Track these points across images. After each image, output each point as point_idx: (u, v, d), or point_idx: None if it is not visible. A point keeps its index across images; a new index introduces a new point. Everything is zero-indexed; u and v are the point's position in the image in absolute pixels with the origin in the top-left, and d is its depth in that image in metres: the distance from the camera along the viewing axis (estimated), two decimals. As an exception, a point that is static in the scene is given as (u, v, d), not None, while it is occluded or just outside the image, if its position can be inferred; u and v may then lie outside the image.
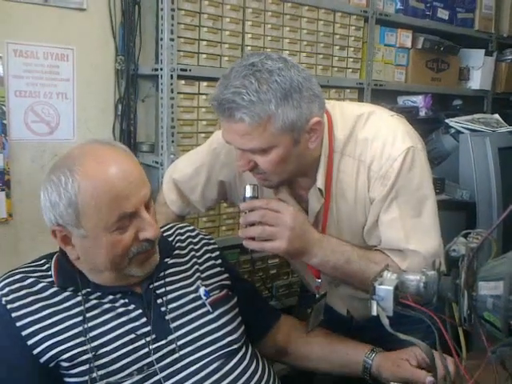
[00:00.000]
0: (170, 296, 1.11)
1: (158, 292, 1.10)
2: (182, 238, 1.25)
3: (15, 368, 0.99)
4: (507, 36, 3.09)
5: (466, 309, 0.70)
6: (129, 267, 1.05)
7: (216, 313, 1.13)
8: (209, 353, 1.08)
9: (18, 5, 1.68)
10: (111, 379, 0.99)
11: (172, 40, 1.77)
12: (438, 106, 2.79)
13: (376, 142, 1.17)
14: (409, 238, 1.16)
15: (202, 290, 1.15)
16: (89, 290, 1.06)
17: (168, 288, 1.12)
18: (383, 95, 2.53)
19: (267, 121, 1.05)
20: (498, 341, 0.69)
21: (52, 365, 0.99)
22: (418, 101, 2.66)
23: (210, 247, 1.27)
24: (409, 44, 2.59)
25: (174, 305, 1.10)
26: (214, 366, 1.08)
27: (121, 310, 1.05)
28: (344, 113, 1.23)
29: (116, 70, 1.90)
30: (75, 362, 0.99)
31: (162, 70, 1.78)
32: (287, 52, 2.09)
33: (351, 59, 2.35)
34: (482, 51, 2.94)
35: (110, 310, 1.05)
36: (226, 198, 1.46)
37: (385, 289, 0.76)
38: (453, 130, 2.56)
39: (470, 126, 2.55)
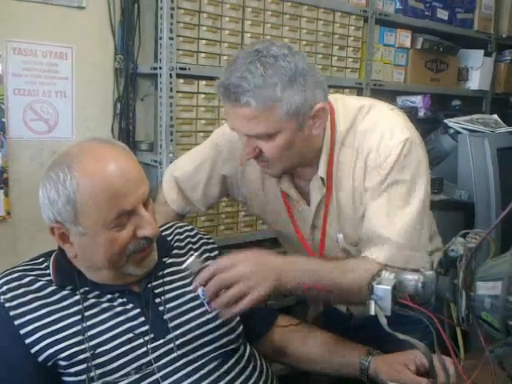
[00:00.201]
0: (168, 295, 1.11)
1: (156, 291, 1.10)
2: (181, 237, 1.25)
3: (13, 367, 0.99)
4: (506, 36, 3.09)
5: (464, 309, 0.70)
6: (126, 265, 1.05)
7: (214, 312, 1.13)
8: (207, 352, 1.08)
9: (17, 3, 1.67)
10: (109, 378, 0.99)
11: (171, 39, 1.76)
12: (436, 106, 2.79)
13: (374, 134, 1.18)
14: (389, 227, 1.15)
15: (200, 290, 1.14)
16: (87, 288, 1.06)
17: (166, 287, 1.12)
18: (382, 95, 2.52)
19: (273, 105, 1.06)
20: (495, 341, 0.69)
21: (50, 363, 0.99)
22: (417, 101, 2.66)
23: (209, 247, 1.27)
24: (408, 44, 2.59)
25: (172, 304, 1.10)
26: (212, 365, 1.08)
27: (119, 309, 1.05)
28: (346, 106, 1.25)
29: (115, 68, 1.89)
30: (73, 360, 0.99)
31: (161, 68, 1.78)
32: (286, 51, 2.08)
33: (350, 59, 2.35)
34: (481, 52, 2.94)
35: (108, 309, 1.05)
36: (228, 194, 1.46)
37: (383, 288, 0.76)
38: (451, 131, 2.56)
39: (468, 127, 2.55)
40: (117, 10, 1.86)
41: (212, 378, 1.07)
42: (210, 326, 1.11)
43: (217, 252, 1.28)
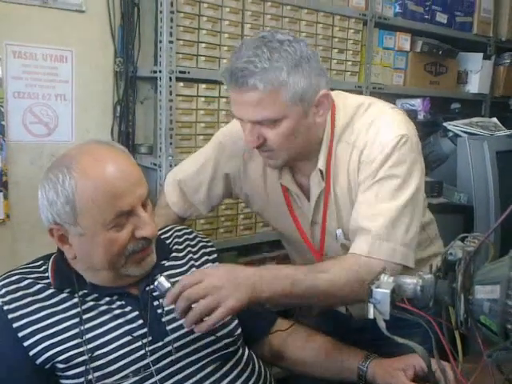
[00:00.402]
0: (166, 298, 1.11)
1: (154, 294, 1.10)
2: (180, 240, 1.25)
3: (12, 369, 0.98)
4: (505, 40, 3.10)
5: (462, 312, 0.70)
6: (125, 266, 1.05)
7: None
8: (205, 355, 1.08)
9: (17, 6, 1.68)
10: (107, 381, 0.99)
11: (171, 42, 1.77)
12: (436, 109, 2.79)
13: (371, 130, 1.19)
14: (372, 219, 1.14)
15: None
16: (85, 291, 1.06)
17: (165, 290, 1.12)
18: (381, 98, 2.49)
19: (279, 88, 1.08)
20: (494, 344, 0.69)
21: (48, 366, 0.99)
22: (417, 104, 2.67)
23: (208, 250, 1.27)
24: (407, 47, 2.60)
25: (171, 307, 1.10)
26: (211, 368, 1.08)
27: (117, 311, 1.05)
28: (346, 102, 1.26)
29: (115, 71, 1.89)
30: (71, 363, 0.99)
31: (160, 72, 1.78)
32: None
33: (350, 62, 2.35)
34: (481, 55, 2.95)
35: (107, 312, 1.05)
36: (231, 193, 1.46)
37: (381, 292, 0.76)
38: (451, 134, 2.56)
39: (468, 130, 2.55)
40: (117, 14, 1.86)
41: (210, 380, 1.07)
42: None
43: (215, 255, 1.28)
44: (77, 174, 0.99)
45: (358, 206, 1.19)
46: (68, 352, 0.99)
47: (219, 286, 0.98)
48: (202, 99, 1.88)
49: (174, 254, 1.20)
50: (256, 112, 1.10)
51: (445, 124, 2.60)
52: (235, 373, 1.11)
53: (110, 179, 1.00)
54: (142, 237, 1.04)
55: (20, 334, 0.99)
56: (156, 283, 1.01)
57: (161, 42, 1.77)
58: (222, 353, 1.11)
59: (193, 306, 0.98)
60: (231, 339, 1.13)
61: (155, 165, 1.84)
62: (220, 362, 1.09)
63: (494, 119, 2.81)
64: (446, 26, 2.77)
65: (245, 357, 1.16)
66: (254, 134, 1.14)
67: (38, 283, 1.05)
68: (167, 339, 1.06)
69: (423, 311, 0.77)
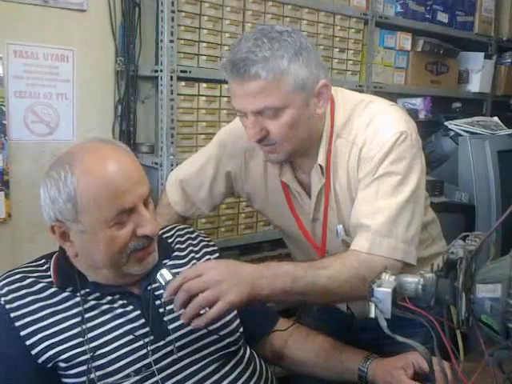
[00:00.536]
0: (168, 297, 1.11)
1: (156, 293, 1.10)
2: (182, 239, 1.25)
3: (13, 368, 0.99)
4: (507, 39, 3.10)
5: (463, 311, 0.70)
6: (127, 265, 1.05)
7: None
8: (207, 354, 1.08)
9: (18, 5, 1.68)
10: (109, 380, 0.99)
11: (172, 42, 1.77)
12: (437, 108, 2.79)
13: (371, 127, 1.19)
14: (372, 215, 1.14)
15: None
16: (87, 290, 1.06)
17: (166, 289, 1.12)
18: (382, 97, 2.52)
19: (281, 76, 1.08)
20: (495, 343, 0.69)
21: (50, 365, 0.99)
22: (418, 103, 2.67)
23: (210, 249, 1.27)
24: (408, 47, 2.60)
25: (173, 306, 1.10)
26: (213, 367, 1.08)
27: (119, 310, 1.05)
28: (345, 98, 1.26)
29: (116, 71, 1.90)
30: (73, 362, 0.99)
31: (161, 71, 1.78)
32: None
33: (351, 61, 2.35)
34: (482, 54, 2.95)
35: (109, 311, 1.05)
36: (232, 192, 1.46)
37: (383, 291, 0.76)
38: (452, 133, 2.56)
39: (469, 129, 2.55)
40: (118, 13, 1.86)
41: (212, 379, 1.07)
42: (211, 327, 1.11)
43: (217, 254, 1.28)
44: (79, 172, 0.99)
45: (357, 203, 1.18)
46: (70, 351, 0.99)
47: (220, 281, 0.98)
48: (203, 98, 1.88)
49: (175, 253, 1.20)
50: (259, 101, 1.10)
51: (446, 123, 2.60)
52: (237, 372, 1.11)
53: (112, 177, 1.00)
54: (143, 235, 1.04)
55: (22, 333, 0.99)
56: (158, 275, 1.01)
57: (162, 41, 1.77)
58: (224, 352, 1.11)
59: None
60: (233, 338, 1.13)
61: (156, 164, 1.84)
62: (221, 362, 1.10)
63: (495, 118, 2.81)
64: (447, 26, 2.77)
65: (246, 356, 1.16)
66: (257, 127, 1.13)
67: (40, 282, 1.05)
68: (169, 338, 1.06)
69: (425, 310, 0.77)
